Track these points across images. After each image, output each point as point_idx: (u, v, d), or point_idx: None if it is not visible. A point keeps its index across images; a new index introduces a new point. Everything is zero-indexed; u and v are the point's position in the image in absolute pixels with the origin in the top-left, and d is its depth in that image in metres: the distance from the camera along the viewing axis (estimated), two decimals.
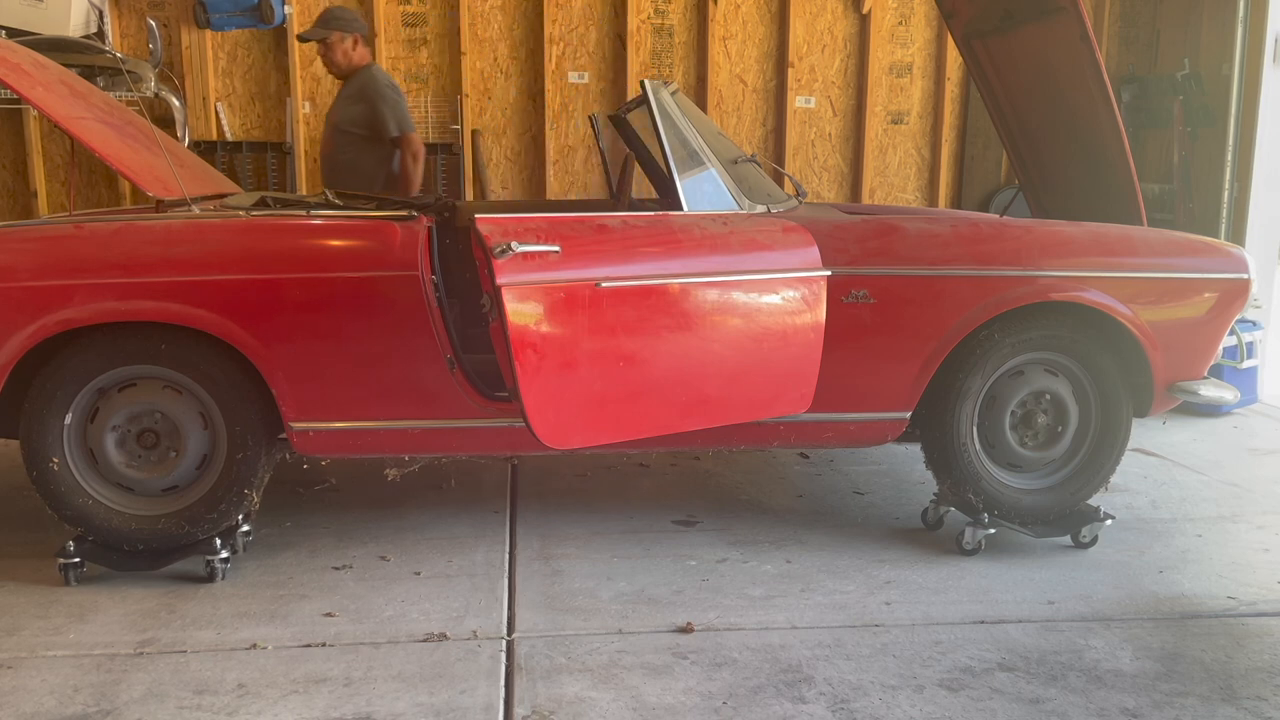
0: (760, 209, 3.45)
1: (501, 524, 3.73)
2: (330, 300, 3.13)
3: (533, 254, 2.78)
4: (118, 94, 5.09)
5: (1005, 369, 3.47)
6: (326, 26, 4.79)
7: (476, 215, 2.83)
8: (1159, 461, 4.62)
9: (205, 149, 5.64)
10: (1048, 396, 3.50)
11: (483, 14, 5.90)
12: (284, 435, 3.30)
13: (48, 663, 2.68)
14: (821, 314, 3.18)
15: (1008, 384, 3.49)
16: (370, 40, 5.73)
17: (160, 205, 3.35)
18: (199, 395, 3.20)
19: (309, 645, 2.79)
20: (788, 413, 3.26)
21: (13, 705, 2.46)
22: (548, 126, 6.01)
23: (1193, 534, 3.71)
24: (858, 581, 3.25)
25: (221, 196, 3.83)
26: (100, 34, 5.47)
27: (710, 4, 6.03)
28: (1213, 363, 3.62)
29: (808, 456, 4.61)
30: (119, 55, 5.30)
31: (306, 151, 5.79)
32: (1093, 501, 3.61)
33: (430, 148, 5.87)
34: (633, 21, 5.98)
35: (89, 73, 4.97)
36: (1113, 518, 3.58)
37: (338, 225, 3.24)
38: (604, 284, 2.87)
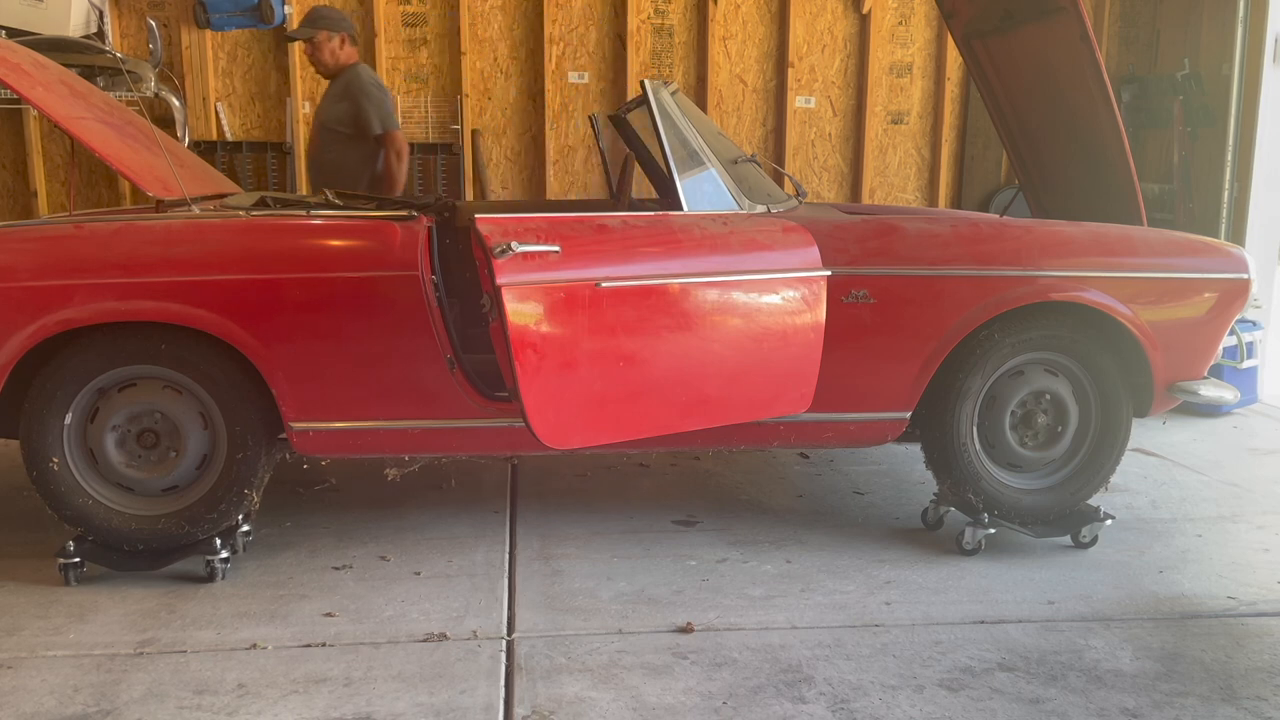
0: (760, 209, 3.45)
1: (501, 524, 3.73)
2: (330, 300, 3.13)
3: (533, 254, 2.78)
4: (118, 94, 5.09)
5: (1005, 369, 3.47)
6: (313, 25, 4.79)
7: (476, 215, 2.83)
8: (1159, 461, 4.62)
9: (205, 149, 5.64)
10: (1048, 396, 3.50)
11: (483, 14, 5.90)
12: (284, 435, 3.30)
13: (48, 663, 2.68)
14: (821, 314, 3.18)
15: (1008, 384, 3.49)
16: (370, 40, 5.74)
17: (160, 205, 3.35)
18: (199, 395, 3.20)
19: (309, 645, 2.79)
20: (788, 413, 3.26)
21: (13, 705, 2.47)
22: (548, 126, 6.01)
23: (1193, 534, 3.71)
24: (858, 581, 3.25)
25: (221, 196, 3.83)
26: (100, 34, 5.47)
27: (710, 4, 6.04)
28: (1213, 363, 3.62)
29: (808, 456, 4.61)
30: (119, 55, 5.30)
31: (306, 151, 5.78)
32: (1093, 501, 3.61)
33: (430, 148, 5.88)
34: (633, 21, 5.98)
35: (89, 73, 4.97)
36: (1113, 518, 3.58)
37: (338, 225, 3.24)
38: (604, 284, 2.87)
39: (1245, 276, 3.54)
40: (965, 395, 3.43)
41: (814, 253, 3.20)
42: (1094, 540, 3.54)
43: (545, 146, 6.03)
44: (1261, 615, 3.05)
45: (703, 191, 3.32)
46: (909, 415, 3.47)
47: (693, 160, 3.35)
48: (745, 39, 6.19)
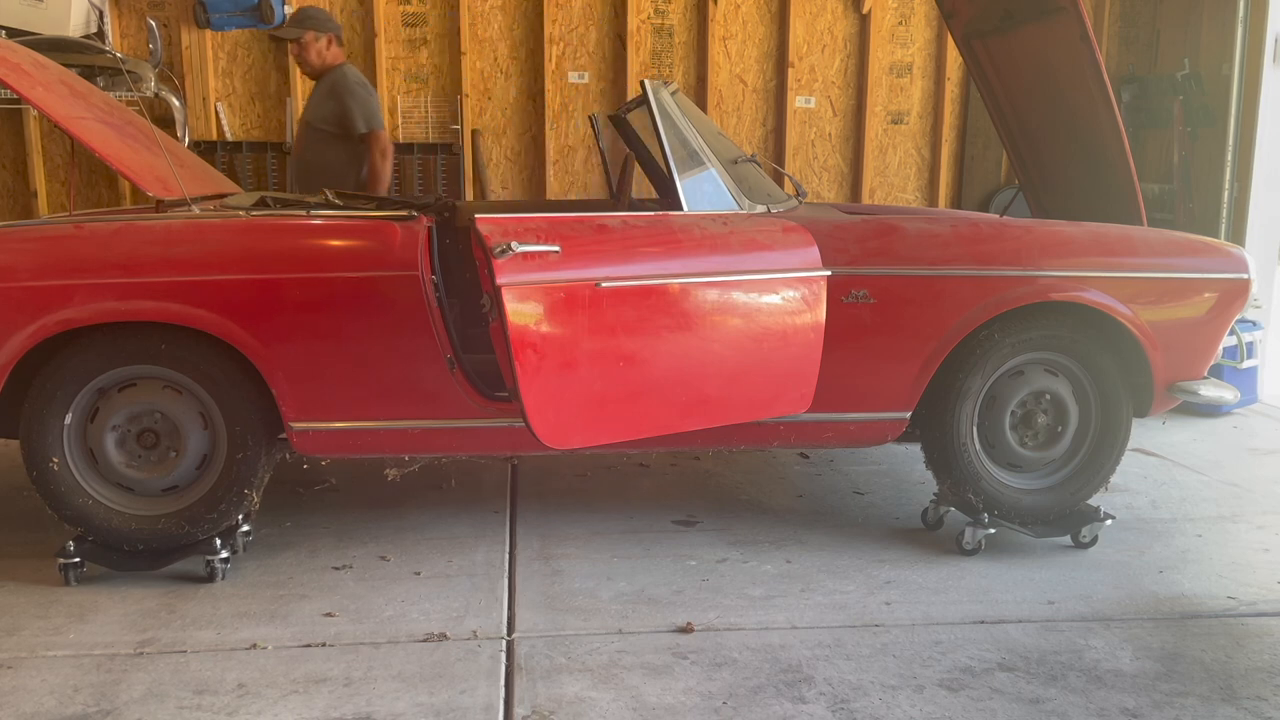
0: (760, 209, 3.45)
1: (501, 524, 3.73)
2: (330, 300, 3.13)
3: (533, 254, 2.78)
4: (118, 94, 5.09)
5: (1005, 369, 3.47)
6: (301, 25, 4.80)
7: (476, 215, 2.83)
8: (1159, 461, 4.62)
9: (205, 149, 5.64)
10: (1048, 396, 3.50)
11: (483, 14, 5.90)
12: (284, 435, 3.30)
13: (48, 663, 2.68)
14: (821, 314, 3.18)
15: (1008, 384, 3.49)
16: (370, 40, 5.74)
17: (160, 205, 3.35)
18: (199, 395, 3.20)
19: (309, 645, 2.79)
20: (788, 413, 3.26)
21: (13, 705, 2.47)
22: (548, 126, 6.01)
23: (1193, 534, 3.71)
24: (858, 581, 3.25)
25: (221, 196, 3.84)
26: (100, 34, 5.47)
27: (710, 4, 6.03)
28: (1213, 363, 3.63)
29: (808, 456, 4.61)
30: (119, 55, 5.31)
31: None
32: (1093, 501, 3.61)
33: (430, 148, 5.87)
34: (633, 21, 5.98)
35: (89, 73, 4.97)
36: (1113, 518, 3.58)
37: (338, 225, 3.24)
38: (604, 284, 2.87)
39: (1245, 276, 3.54)
40: (965, 395, 3.43)
41: (814, 253, 3.20)
42: (1094, 540, 3.54)
43: (545, 146, 6.03)
44: (1261, 615, 3.05)
45: (703, 191, 3.32)
46: (909, 415, 3.47)
47: (693, 160, 3.35)
48: (745, 39, 6.19)
